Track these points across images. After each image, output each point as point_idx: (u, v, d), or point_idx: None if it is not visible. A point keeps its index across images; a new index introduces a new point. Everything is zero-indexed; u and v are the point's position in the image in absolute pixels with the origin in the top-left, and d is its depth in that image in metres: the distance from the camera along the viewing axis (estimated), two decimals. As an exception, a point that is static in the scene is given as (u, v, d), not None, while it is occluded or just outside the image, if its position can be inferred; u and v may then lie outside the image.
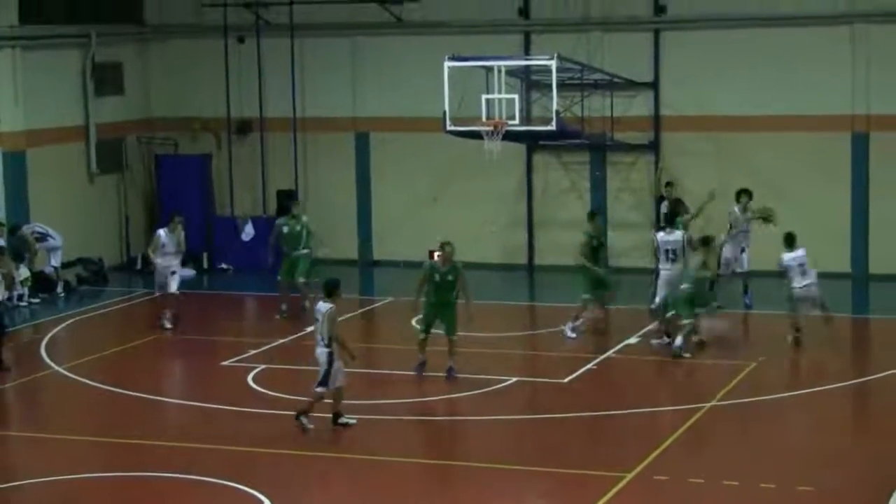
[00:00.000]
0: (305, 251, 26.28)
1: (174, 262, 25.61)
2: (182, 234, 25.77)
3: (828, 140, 28.78)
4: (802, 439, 18.10)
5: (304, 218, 26.66)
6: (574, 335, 23.74)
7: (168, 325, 25.16)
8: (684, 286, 22.38)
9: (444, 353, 21.52)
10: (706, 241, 23.35)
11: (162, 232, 25.51)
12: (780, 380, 21.41)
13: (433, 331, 21.65)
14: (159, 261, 25.41)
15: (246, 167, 32.49)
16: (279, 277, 26.27)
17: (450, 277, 22.14)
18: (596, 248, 24.37)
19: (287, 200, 29.05)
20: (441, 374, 21.46)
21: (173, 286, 25.48)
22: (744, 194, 26.04)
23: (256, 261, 29.05)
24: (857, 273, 28.88)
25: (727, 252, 25.73)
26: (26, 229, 28.53)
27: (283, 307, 26.09)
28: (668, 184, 28.15)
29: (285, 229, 26.29)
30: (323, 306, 18.49)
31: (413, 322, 23.13)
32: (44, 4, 30.33)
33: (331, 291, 18.61)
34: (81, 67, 31.02)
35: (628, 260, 29.28)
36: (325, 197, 32.01)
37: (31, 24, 29.69)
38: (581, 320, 23.99)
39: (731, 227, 25.86)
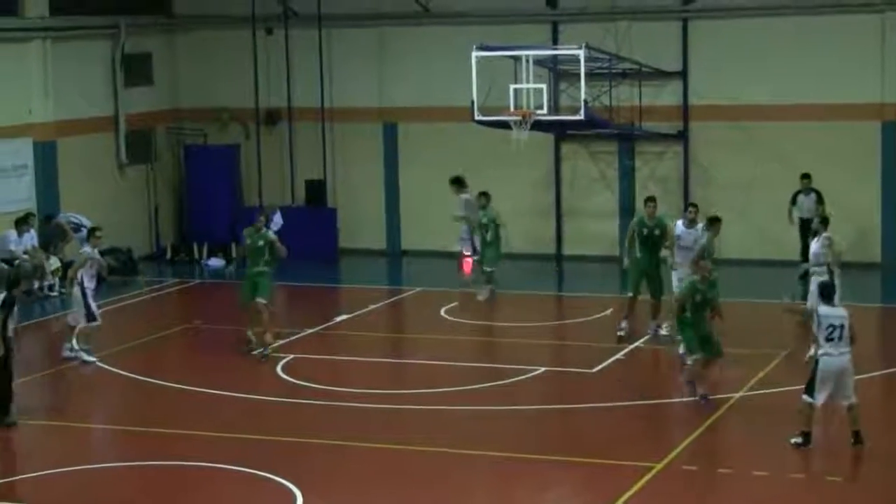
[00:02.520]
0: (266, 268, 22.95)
1: None
2: None
3: (858, 129, 28.66)
4: (831, 430, 18.04)
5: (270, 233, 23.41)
6: (622, 333, 22.94)
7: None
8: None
9: (470, 343, 21.52)
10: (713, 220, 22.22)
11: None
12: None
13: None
14: None
15: (274, 157, 32.55)
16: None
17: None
18: (647, 238, 22.79)
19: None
20: (459, 363, 21.49)
21: None
22: (691, 208, 23.38)
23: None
24: (888, 263, 28.76)
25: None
26: (61, 218, 28.68)
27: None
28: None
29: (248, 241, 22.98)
30: None
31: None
32: (73, -4, 30.50)
33: None
34: (111, 58, 31.12)
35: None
36: (353, 187, 32.06)
37: (60, 16, 29.81)
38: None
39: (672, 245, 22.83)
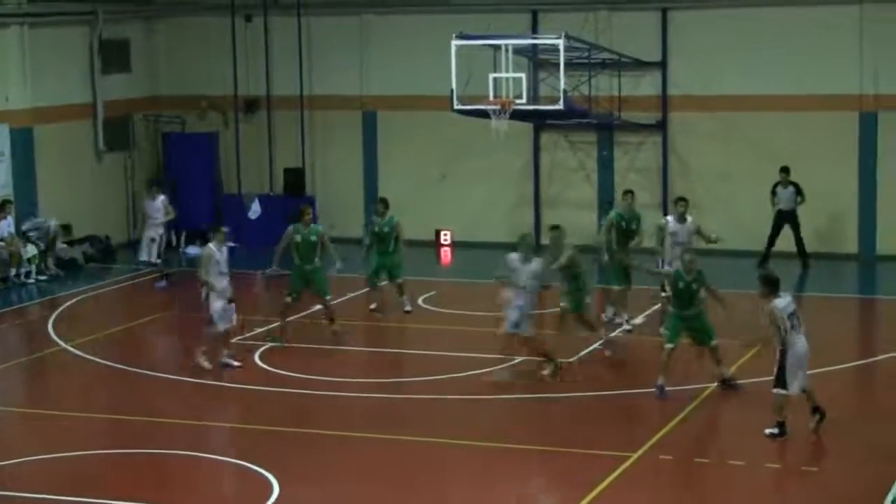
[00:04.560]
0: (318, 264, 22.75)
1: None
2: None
3: (836, 120, 28.75)
4: (808, 420, 18.08)
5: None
6: (629, 327, 22.96)
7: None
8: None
9: (448, 332, 21.44)
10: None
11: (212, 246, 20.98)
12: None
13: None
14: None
15: (253, 145, 32.49)
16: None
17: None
18: (625, 231, 22.75)
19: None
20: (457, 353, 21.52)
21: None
22: (680, 203, 23.05)
23: (264, 239, 29.07)
24: (865, 254, 28.85)
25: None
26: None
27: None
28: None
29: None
30: None
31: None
32: (51, -19, 30.38)
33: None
34: (88, 45, 31.01)
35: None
36: (332, 175, 32.04)
37: (38, 1, 29.68)
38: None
39: (663, 241, 22.63)
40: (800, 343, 17.18)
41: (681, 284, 19.45)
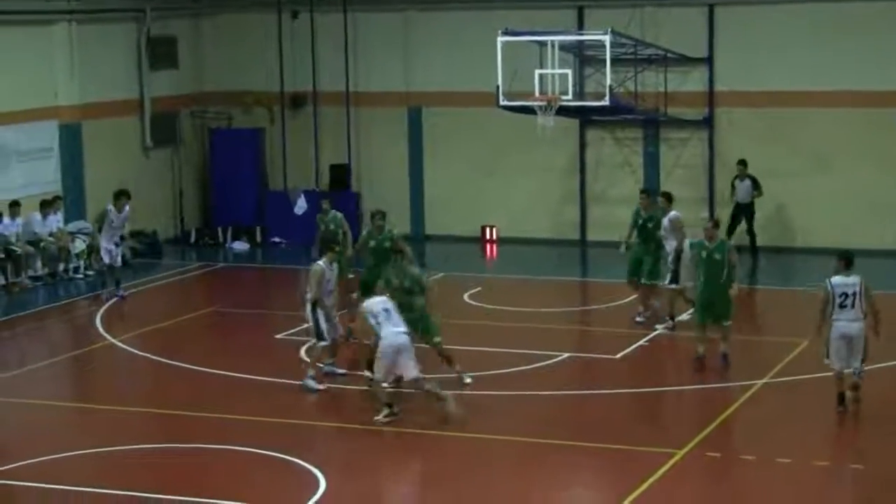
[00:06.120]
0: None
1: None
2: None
3: (882, 116, 28.53)
4: (855, 417, 18.01)
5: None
6: (642, 320, 23.18)
7: None
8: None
9: (494, 329, 21.43)
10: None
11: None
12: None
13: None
14: None
15: (299, 141, 32.57)
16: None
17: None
18: (642, 227, 23.07)
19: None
20: (482, 348, 21.53)
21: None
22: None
23: (310, 234, 29.14)
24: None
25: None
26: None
27: None
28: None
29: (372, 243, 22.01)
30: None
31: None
32: (99, -22, 30.56)
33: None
34: (136, 41, 31.18)
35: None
36: (377, 171, 32.08)
37: (86, -2, 29.94)
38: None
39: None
40: (838, 323, 17.78)
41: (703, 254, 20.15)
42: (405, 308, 18.86)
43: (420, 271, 20.15)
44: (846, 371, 17.91)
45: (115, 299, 25.68)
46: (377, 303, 18.36)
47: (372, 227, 22.19)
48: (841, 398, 17.98)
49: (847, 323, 17.77)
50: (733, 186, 28.71)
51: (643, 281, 23.09)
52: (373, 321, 18.12)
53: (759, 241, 28.90)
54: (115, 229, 25.99)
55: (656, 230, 22.91)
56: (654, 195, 23.82)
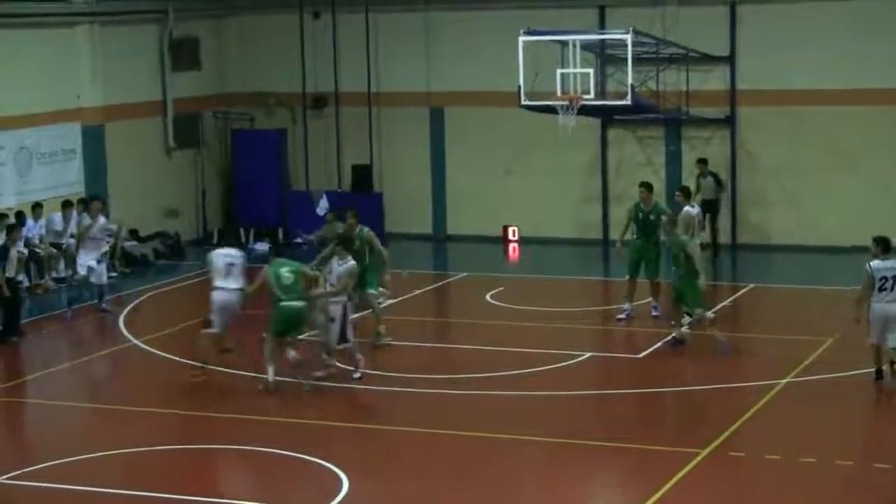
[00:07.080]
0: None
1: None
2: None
3: (906, 114, 28.48)
4: (880, 416, 17.96)
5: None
6: (622, 316, 23.40)
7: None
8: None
9: (516, 328, 21.45)
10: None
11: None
12: (857, 356, 21.20)
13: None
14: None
15: (321, 142, 32.64)
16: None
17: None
18: (642, 221, 23.06)
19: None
20: (514, 348, 21.53)
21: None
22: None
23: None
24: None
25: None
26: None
27: None
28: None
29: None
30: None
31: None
32: (121, -20, 30.65)
33: None
34: (159, 42, 31.26)
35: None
36: (400, 171, 32.10)
37: (108, 0, 29.96)
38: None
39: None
40: (877, 304, 18.65)
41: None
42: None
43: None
44: (886, 349, 18.65)
45: (102, 313, 24.77)
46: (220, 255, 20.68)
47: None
48: (878, 373, 18.79)
49: (886, 304, 18.54)
50: (698, 185, 28.72)
51: (645, 278, 23.14)
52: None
53: (780, 240, 28.81)
54: (95, 240, 24.61)
55: (657, 224, 22.87)
56: (652, 188, 23.74)
